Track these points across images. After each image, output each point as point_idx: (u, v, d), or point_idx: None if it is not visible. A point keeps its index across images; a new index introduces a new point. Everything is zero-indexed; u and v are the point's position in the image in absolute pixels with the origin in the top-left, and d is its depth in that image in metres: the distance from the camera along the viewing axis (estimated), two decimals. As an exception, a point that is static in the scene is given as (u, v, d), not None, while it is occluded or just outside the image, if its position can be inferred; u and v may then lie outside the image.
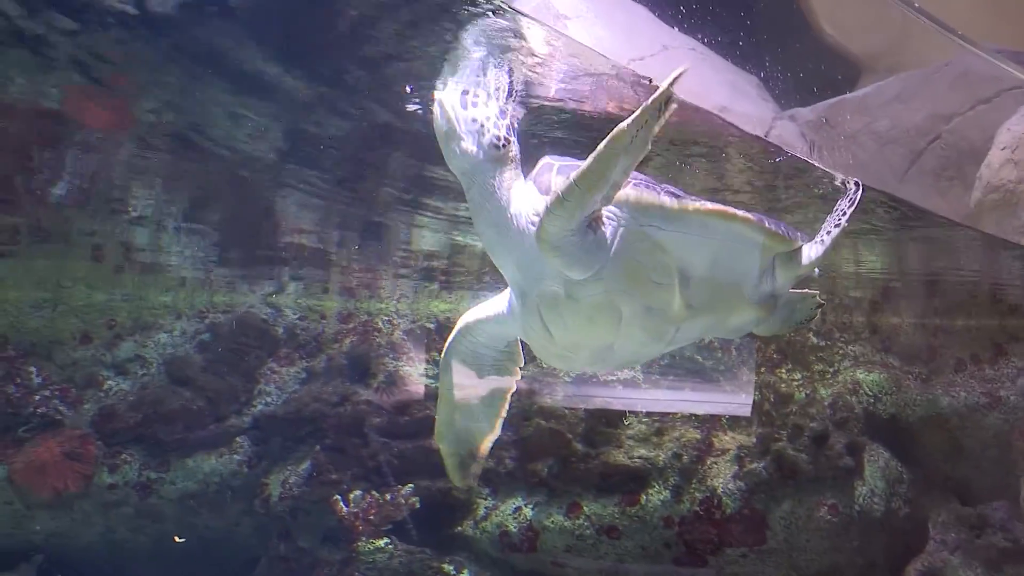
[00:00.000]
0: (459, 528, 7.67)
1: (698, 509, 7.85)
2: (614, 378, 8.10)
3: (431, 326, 8.92)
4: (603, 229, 3.11)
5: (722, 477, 7.98)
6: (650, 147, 2.78)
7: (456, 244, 9.55)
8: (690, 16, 4.10)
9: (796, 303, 3.97)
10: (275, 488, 7.69)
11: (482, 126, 3.28)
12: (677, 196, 3.21)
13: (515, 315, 3.55)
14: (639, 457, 7.94)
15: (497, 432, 4.00)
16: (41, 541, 7.64)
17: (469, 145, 3.26)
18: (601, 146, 2.70)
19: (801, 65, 4.50)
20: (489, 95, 3.36)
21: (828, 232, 3.77)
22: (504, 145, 3.28)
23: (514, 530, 7.62)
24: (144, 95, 4.92)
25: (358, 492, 7.44)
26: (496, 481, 7.81)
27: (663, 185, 3.31)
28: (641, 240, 3.15)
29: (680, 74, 2.71)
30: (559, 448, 7.77)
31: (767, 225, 3.36)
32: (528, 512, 7.69)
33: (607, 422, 7.91)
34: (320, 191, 7.51)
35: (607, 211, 3.12)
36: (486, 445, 4.02)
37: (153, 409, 7.94)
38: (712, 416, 8.18)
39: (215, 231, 7.70)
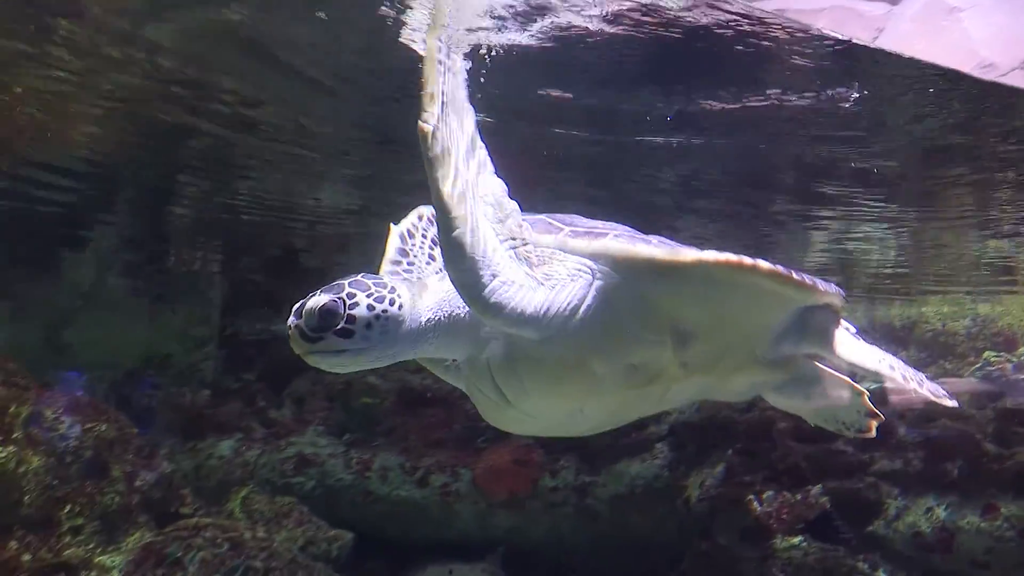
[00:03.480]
0: (871, 528, 8.01)
1: None
2: (1021, 376, 8.04)
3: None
4: (565, 282, 2.65)
5: None
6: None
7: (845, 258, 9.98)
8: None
9: (834, 390, 3.30)
10: (694, 490, 8.52)
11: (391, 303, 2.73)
12: (670, 246, 2.72)
13: (462, 373, 3.08)
14: (1058, 457, 7.78)
15: None
16: (502, 535, 9.04)
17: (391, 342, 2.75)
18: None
19: None
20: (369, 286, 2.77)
21: (899, 371, 3.16)
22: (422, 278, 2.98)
23: (927, 531, 7.81)
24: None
25: (770, 492, 8.07)
26: (905, 482, 8.06)
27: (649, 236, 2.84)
28: (625, 296, 2.66)
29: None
30: (968, 449, 7.86)
31: (795, 277, 2.78)
32: (941, 513, 7.83)
33: (1019, 421, 7.88)
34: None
35: (577, 264, 2.67)
36: None
37: (583, 422, 9.17)
38: None
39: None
